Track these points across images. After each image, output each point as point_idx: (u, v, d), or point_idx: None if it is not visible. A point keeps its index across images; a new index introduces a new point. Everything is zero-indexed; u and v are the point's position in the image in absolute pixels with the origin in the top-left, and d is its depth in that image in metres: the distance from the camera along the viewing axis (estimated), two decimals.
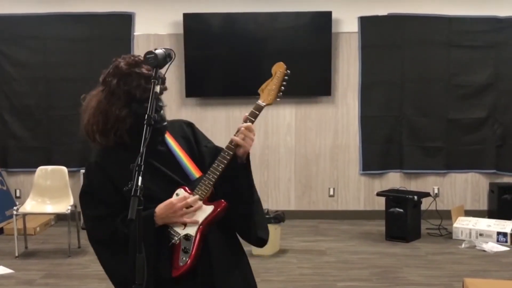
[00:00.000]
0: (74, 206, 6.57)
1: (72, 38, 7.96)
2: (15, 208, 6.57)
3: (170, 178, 2.60)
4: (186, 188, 2.59)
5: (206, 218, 2.57)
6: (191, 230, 2.55)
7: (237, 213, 2.65)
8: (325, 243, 6.97)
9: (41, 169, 6.86)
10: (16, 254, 6.39)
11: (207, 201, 2.59)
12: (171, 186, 2.59)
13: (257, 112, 2.66)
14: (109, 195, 2.55)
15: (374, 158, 8.11)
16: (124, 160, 2.41)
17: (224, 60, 7.84)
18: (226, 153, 2.57)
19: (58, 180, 6.76)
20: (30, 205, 6.67)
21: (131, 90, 2.49)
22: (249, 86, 8.13)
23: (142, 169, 2.18)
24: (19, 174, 8.16)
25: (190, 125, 2.82)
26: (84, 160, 7.81)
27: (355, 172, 8.15)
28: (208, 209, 2.57)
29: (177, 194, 2.57)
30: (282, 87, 2.71)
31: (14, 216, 6.47)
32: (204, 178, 2.57)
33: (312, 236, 7.26)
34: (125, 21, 7.97)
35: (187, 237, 2.55)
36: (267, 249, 6.14)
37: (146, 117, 2.29)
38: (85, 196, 2.63)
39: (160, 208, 2.51)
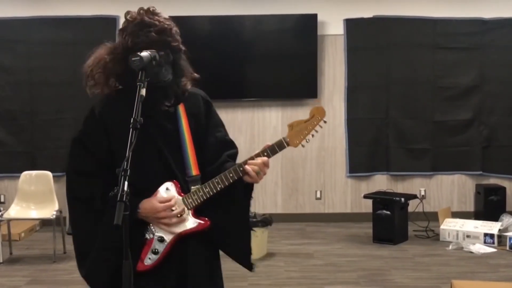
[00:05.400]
0: (59, 211, 6.51)
1: (56, 42, 7.89)
2: None
3: (166, 162, 2.53)
4: (178, 186, 2.52)
5: (185, 230, 2.53)
6: (167, 235, 2.52)
7: (226, 229, 2.62)
8: (312, 246, 6.96)
9: (25, 174, 6.79)
10: (1, 260, 6.32)
11: (194, 213, 2.54)
12: (164, 171, 2.53)
13: (278, 150, 2.56)
14: (100, 150, 2.49)
15: (361, 161, 8.10)
16: (124, 108, 2.36)
17: (210, 63, 7.78)
18: (231, 175, 2.50)
19: (42, 185, 6.69)
20: (15, 211, 6.60)
21: (126, 39, 2.50)
22: (234, 89, 8.20)
23: (128, 173, 2.14)
24: (3, 179, 8.08)
25: (207, 103, 2.72)
26: None
27: (342, 174, 8.14)
28: (191, 223, 2.53)
29: (167, 189, 2.52)
30: (312, 135, 2.60)
31: None
32: (200, 188, 2.51)
33: (299, 239, 7.24)
34: (109, 24, 7.90)
35: (161, 239, 2.52)
36: (254, 253, 6.10)
37: (131, 121, 2.24)
38: (77, 144, 2.57)
39: (144, 207, 2.48)
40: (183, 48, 2.61)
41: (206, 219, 2.55)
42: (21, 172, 6.88)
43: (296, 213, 8.08)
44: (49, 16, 7.89)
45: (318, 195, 8.16)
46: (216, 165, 2.59)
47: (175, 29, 2.56)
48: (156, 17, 2.51)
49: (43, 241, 7.16)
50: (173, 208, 2.49)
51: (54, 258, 6.36)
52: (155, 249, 2.50)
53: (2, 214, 6.47)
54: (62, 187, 7.54)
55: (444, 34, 7.95)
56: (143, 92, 2.29)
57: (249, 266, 2.71)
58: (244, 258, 2.70)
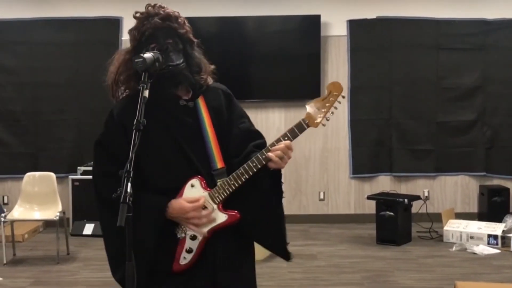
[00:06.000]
0: (63, 212, 6.52)
1: (58, 43, 7.89)
2: (2, 215, 6.50)
3: (188, 158, 2.48)
4: (203, 181, 2.47)
5: (215, 227, 2.49)
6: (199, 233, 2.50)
7: (259, 220, 2.57)
8: (315, 247, 6.95)
9: (29, 175, 6.79)
10: (4, 262, 6.32)
11: (222, 207, 2.49)
12: (187, 167, 2.48)
13: (298, 133, 2.46)
14: (121, 151, 2.41)
15: (364, 162, 8.09)
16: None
17: (213, 64, 7.78)
18: (254, 164, 2.42)
19: (46, 186, 6.69)
20: (18, 212, 6.60)
21: (133, 33, 2.54)
22: (238, 90, 8.12)
23: (131, 175, 2.12)
24: (7, 180, 8.08)
25: (228, 96, 2.68)
26: (72, 166, 7.75)
27: (345, 175, 8.13)
28: (220, 218, 2.49)
29: (192, 185, 2.47)
30: (332, 112, 2.47)
31: (1, 223, 6.40)
32: (225, 181, 2.46)
33: (303, 240, 7.23)
34: (113, 25, 7.91)
35: (193, 237, 2.48)
36: (257, 254, 6.07)
37: (135, 122, 2.22)
38: (99, 147, 2.55)
39: (173, 208, 2.44)
40: (195, 39, 2.59)
41: (236, 211, 2.49)
42: (24, 173, 6.89)
43: (299, 214, 8.07)
44: (52, 17, 7.89)
45: (322, 196, 8.15)
46: (242, 156, 2.53)
47: (183, 18, 2.54)
48: (162, 9, 2.50)
49: (46, 242, 7.16)
50: (203, 213, 2.45)
51: (57, 259, 6.36)
52: (189, 248, 2.47)
53: (5, 215, 6.48)
54: (65, 188, 7.62)
55: (447, 34, 7.94)
56: (146, 93, 2.27)
57: (285, 255, 2.65)
58: (279, 248, 2.66)
